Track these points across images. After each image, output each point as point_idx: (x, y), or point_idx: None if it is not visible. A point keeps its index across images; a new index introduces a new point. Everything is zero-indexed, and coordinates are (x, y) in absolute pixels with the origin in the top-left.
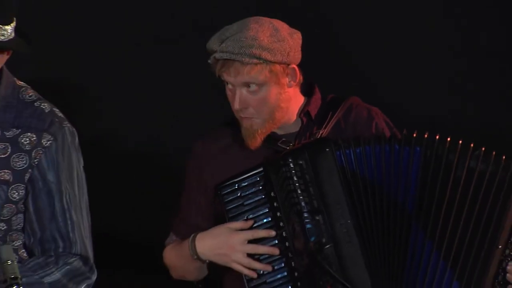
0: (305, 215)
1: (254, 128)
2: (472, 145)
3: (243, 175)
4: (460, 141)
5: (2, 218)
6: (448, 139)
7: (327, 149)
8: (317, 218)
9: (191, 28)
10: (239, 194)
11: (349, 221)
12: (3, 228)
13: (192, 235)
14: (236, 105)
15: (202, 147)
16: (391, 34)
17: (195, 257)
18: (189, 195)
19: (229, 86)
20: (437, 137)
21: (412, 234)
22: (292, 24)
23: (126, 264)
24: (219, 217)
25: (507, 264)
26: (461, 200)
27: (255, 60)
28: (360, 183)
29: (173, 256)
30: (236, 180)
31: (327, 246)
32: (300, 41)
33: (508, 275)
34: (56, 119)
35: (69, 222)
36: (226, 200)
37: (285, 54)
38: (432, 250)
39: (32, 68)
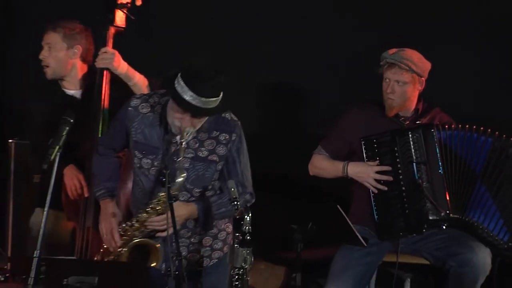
0: (415, 164)
1: (393, 105)
2: None
3: (380, 135)
4: None
5: (214, 178)
6: (511, 138)
7: (432, 130)
8: (423, 166)
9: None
10: (375, 146)
11: (440, 171)
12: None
13: (346, 162)
14: (389, 90)
15: (358, 111)
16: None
17: (345, 173)
18: (338, 134)
19: (386, 80)
20: (504, 136)
21: (477, 185)
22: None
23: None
24: (349, 154)
25: None
26: (508, 173)
27: (407, 68)
28: (448, 151)
29: (325, 164)
30: (374, 137)
31: (425, 184)
32: (430, 68)
33: None
34: (235, 123)
35: (244, 176)
36: (366, 147)
37: (422, 70)
38: (488, 196)
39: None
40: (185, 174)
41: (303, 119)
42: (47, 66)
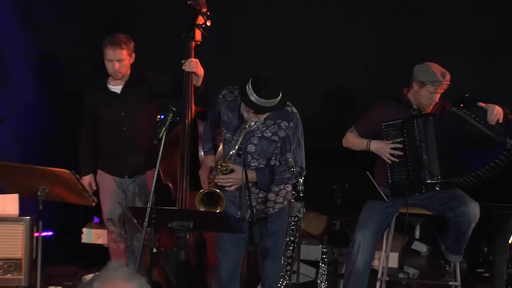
0: (417, 142)
1: (430, 106)
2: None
3: (394, 121)
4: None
5: (275, 152)
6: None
7: (431, 117)
8: (423, 144)
9: None
10: (391, 129)
11: (435, 147)
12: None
13: (369, 140)
14: (436, 99)
15: (382, 105)
16: None
17: (368, 148)
18: (367, 121)
19: (434, 94)
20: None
21: (458, 148)
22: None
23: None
24: (374, 135)
25: None
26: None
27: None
28: (440, 132)
29: (356, 140)
30: (390, 123)
31: (424, 156)
32: None
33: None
34: (294, 114)
35: (297, 152)
36: (385, 130)
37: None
38: (466, 153)
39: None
40: (256, 145)
41: (343, 109)
42: (120, 73)
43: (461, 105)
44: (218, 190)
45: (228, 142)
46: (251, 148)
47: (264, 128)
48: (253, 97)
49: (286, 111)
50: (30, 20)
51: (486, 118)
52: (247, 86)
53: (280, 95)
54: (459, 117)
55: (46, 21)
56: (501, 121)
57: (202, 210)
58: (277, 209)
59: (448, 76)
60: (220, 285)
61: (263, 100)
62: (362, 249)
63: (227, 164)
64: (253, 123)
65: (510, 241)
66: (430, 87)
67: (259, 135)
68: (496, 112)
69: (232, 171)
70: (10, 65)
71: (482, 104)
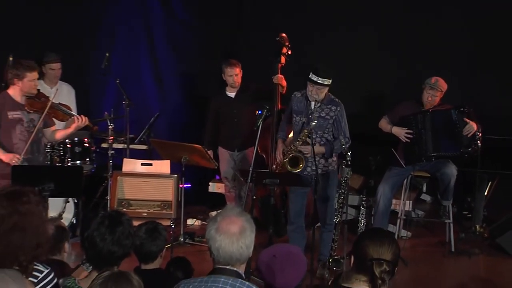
0: (420, 129)
1: (428, 105)
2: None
3: (408, 115)
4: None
5: (327, 127)
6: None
7: (428, 113)
8: (423, 131)
9: None
10: (405, 120)
11: (430, 133)
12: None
13: (391, 125)
14: (430, 99)
15: (405, 103)
16: None
17: (391, 131)
18: (394, 113)
19: (427, 93)
20: (430, 110)
21: (441, 136)
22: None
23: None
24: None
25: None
26: (449, 125)
27: (440, 90)
28: (434, 123)
29: (385, 125)
30: (406, 116)
31: (424, 138)
32: (446, 88)
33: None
34: (339, 102)
35: (345, 129)
36: (402, 121)
37: (444, 90)
38: (445, 139)
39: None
40: (316, 121)
41: (376, 104)
42: (238, 82)
43: (457, 111)
44: (299, 154)
45: (297, 123)
46: (312, 123)
47: (321, 110)
48: (314, 77)
49: (334, 100)
50: (177, 50)
51: (462, 128)
52: (310, 73)
53: (330, 80)
54: (450, 117)
55: (186, 50)
56: (469, 136)
57: (288, 170)
58: (330, 171)
59: (439, 83)
60: (290, 220)
61: (319, 78)
62: (383, 197)
63: (303, 137)
64: (312, 104)
65: (485, 194)
66: (426, 88)
67: (317, 115)
68: (468, 129)
69: (308, 143)
70: (164, 79)
71: (467, 120)
